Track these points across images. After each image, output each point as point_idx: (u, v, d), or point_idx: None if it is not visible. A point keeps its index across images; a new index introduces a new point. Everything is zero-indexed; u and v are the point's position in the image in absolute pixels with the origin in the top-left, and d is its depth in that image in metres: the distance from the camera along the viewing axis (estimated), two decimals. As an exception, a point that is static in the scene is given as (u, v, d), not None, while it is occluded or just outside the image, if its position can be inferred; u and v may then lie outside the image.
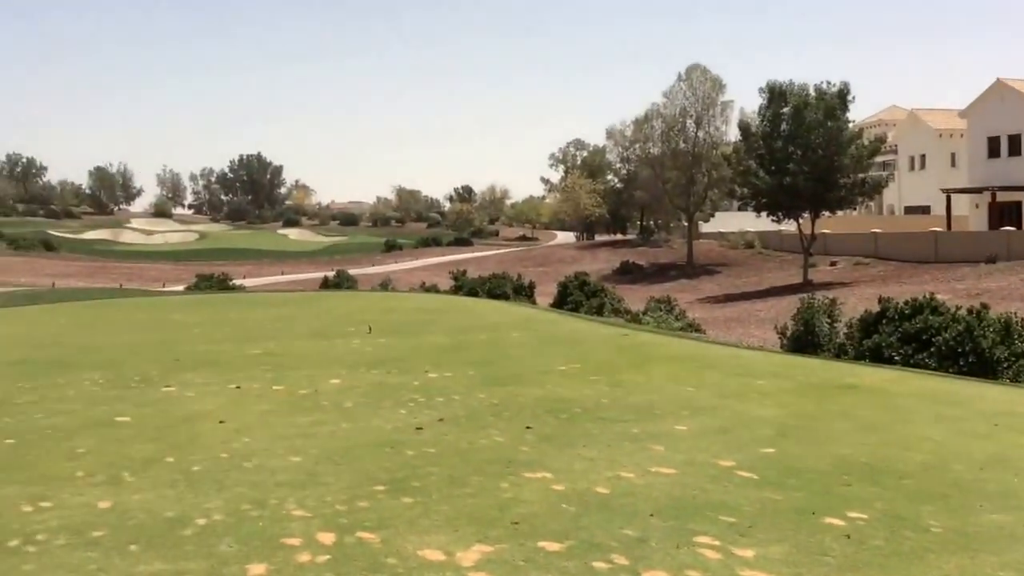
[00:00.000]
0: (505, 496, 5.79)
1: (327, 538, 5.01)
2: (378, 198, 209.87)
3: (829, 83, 57.24)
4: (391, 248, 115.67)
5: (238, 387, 10.17)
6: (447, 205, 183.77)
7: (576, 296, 33.29)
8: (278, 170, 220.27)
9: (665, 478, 6.21)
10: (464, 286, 38.73)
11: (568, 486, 6.00)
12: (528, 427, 7.86)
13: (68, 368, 11.87)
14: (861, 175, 57.39)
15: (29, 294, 32.51)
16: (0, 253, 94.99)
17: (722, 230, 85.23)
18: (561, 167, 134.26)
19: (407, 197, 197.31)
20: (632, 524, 5.21)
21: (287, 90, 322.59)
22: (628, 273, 71.68)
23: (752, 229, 77.14)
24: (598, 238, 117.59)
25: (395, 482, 6.13)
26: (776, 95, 57.76)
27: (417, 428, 7.89)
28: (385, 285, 44.87)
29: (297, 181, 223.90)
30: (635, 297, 40.56)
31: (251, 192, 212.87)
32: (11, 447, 7.41)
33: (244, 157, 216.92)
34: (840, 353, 19.01)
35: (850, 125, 57.83)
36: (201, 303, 24.78)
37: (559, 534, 5.03)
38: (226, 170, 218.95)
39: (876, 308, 19.25)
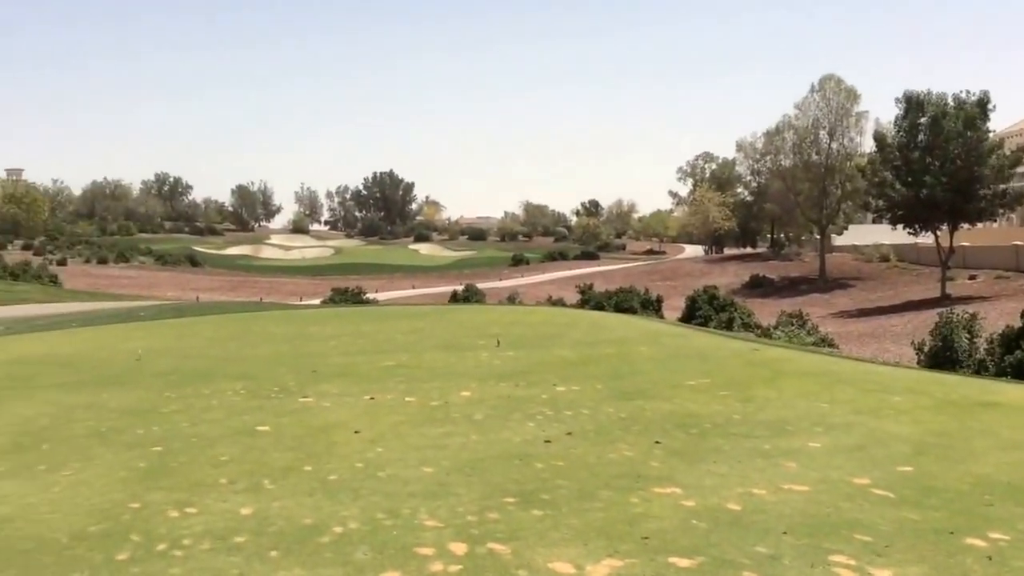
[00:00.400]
0: (635, 511, 5.78)
1: (459, 548, 5.10)
2: (505, 213, 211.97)
3: (968, 92, 55.28)
4: (518, 262, 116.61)
5: (372, 398, 10.42)
6: (574, 219, 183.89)
7: (705, 310, 32.91)
8: (409, 187, 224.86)
9: (798, 495, 6.09)
10: (591, 300, 38.76)
11: (699, 502, 5.94)
12: (657, 442, 7.82)
13: (211, 379, 12.39)
14: (1002, 186, 55.03)
15: (175, 307, 34.06)
16: (148, 268, 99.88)
17: (856, 243, 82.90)
18: (689, 180, 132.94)
19: (534, 212, 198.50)
20: (764, 541, 5.13)
21: (418, 108, 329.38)
22: (758, 287, 70.42)
23: (887, 242, 74.80)
24: (727, 251, 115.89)
25: (525, 494, 6.19)
26: (913, 105, 55.92)
27: (546, 441, 7.94)
28: (512, 299, 45.25)
29: (427, 197, 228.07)
30: (765, 311, 39.81)
31: (384, 208, 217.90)
32: (158, 454, 7.80)
33: (377, 174, 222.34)
34: (980, 369, 18.30)
35: (990, 135, 55.59)
36: (336, 316, 25.48)
37: (690, 550, 5.00)
38: (360, 187, 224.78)
39: (1018, 323, 18.46)
